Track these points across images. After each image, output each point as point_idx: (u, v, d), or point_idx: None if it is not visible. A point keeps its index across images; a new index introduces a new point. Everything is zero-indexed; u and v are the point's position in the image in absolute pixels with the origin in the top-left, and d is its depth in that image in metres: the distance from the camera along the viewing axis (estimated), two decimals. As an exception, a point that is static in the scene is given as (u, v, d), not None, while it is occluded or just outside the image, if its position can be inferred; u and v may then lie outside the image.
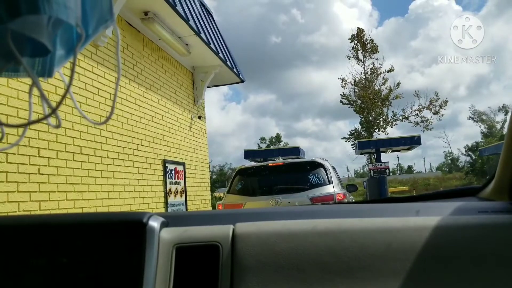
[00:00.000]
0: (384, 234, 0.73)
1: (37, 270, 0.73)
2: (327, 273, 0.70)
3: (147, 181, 5.96)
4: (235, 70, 9.03)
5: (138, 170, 5.81)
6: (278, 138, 52.10)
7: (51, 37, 0.54)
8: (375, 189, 15.58)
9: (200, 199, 7.95)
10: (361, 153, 19.69)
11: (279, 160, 6.65)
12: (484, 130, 41.58)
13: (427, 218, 0.76)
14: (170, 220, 0.82)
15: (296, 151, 16.65)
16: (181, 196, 7.06)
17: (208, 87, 9.56)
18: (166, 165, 6.59)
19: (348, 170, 49.88)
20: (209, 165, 9.62)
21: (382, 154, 16.57)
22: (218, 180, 44.07)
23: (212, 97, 79.36)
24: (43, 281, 0.73)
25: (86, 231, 0.75)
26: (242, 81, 9.67)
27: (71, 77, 0.56)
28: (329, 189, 5.62)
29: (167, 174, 6.60)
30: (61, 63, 0.60)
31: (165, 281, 0.72)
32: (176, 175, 6.95)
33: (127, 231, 0.74)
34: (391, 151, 17.02)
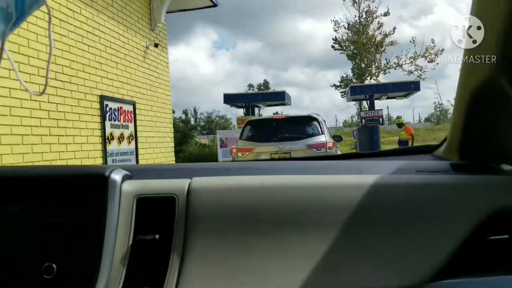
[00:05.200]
0: (325, 190, 0.79)
1: (1, 217, 0.77)
2: (273, 225, 0.76)
3: (72, 123, 4.48)
4: (205, -10, 7.30)
5: (72, 109, 4.34)
6: (266, 85, 49.91)
7: None
8: (367, 139, 14.33)
9: (158, 147, 6.53)
10: (353, 100, 18.17)
11: (282, 114, 8.01)
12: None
13: (365, 176, 0.81)
14: (134, 173, 0.86)
15: (281, 96, 15.06)
16: (129, 142, 5.63)
17: (174, 11, 7.83)
18: (105, 102, 5.07)
19: (336, 120, 48.95)
20: (172, 110, 8.08)
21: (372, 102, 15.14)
22: (206, 127, 43.65)
23: (202, 44, 76.10)
24: (9, 227, 0.77)
25: (51, 183, 0.80)
26: (215, 5, 7.93)
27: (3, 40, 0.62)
28: (322, 138, 6.77)
29: (107, 115, 5.11)
30: None
31: (126, 229, 0.77)
32: (122, 117, 5.46)
33: (90, 183, 0.79)
34: (386, 98, 15.53)
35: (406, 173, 0.85)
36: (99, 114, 4.97)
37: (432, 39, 31.21)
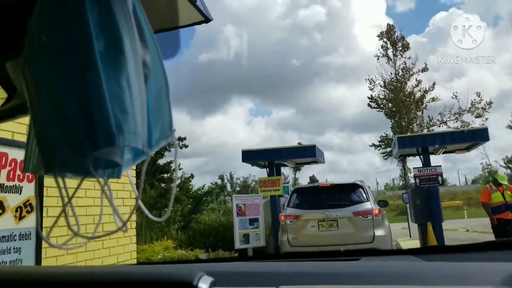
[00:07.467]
0: None
1: None
2: None
3: None
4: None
5: None
6: (301, 147, 48.81)
7: (122, 153, 0.60)
8: (423, 203, 11.15)
9: (95, 221, 3.97)
10: (401, 155, 15.13)
11: (327, 182, 8.77)
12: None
13: None
14: (216, 277, 0.73)
15: (311, 151, 12.39)
16: (20, 218, 3.10)
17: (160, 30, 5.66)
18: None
19: (377, 183, 45.44)
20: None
21: (409, 160, 12.15)
22: (242, 192, 42.95)
23: (239, 113, 78.45)
24: None
25: None
26: (208, 20, 5.77)
27: (139, 191, 0.60)
28: (367, 205, 7.24)
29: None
30: (128, 166, 0.64)
31: None
32: (4, 170, 3.00)
33: None
34: (443, 152, 12.48)
35: None
36: None
37: (477, 93, 28.32)
